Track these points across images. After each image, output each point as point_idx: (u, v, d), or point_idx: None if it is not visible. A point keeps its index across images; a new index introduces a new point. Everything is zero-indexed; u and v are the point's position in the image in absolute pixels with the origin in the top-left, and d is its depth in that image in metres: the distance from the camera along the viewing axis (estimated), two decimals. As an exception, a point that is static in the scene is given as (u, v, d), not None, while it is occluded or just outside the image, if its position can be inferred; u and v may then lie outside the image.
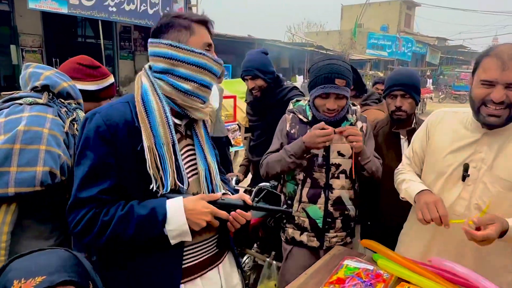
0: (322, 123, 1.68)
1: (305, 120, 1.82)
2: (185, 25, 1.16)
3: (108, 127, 1.07)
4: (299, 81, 16.55)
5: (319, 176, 1.79)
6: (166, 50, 1.14)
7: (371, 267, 1.48)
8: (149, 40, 1.18)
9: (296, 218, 1.86)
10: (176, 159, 1.14)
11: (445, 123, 1.47)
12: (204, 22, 1.21)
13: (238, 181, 2.64)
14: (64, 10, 8.90)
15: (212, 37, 1.24)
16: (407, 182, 1.54)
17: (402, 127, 2.02)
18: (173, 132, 1.14)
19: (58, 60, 12.77)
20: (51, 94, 1.37)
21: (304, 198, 1.82)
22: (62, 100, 1.40)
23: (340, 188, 1.80)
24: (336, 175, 1.78)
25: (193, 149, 1.25)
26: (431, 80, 25.66)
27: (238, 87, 9.77)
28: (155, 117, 1.11)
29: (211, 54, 1.19)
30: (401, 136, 2.01)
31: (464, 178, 1.37)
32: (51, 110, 1.31)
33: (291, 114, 1.87)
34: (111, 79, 1.67)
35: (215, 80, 1.22)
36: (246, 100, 2.72)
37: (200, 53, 1.16)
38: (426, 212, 1.31)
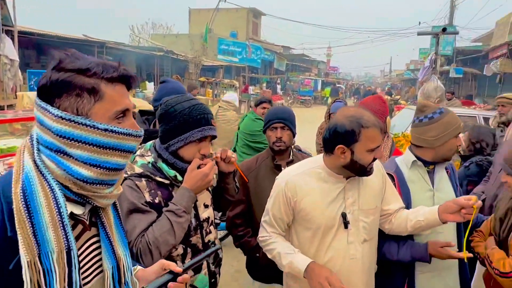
0: (197, 159, 1.55)
1: (166, 182, 1.56)
2: (88, 86, 0.89)
3: None
4: (150, 88, 16.04)
5: (196, 240, 1.66)
6: (55, 124, 0.88)
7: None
8: (35, 99, 0.90)
9: None
10: (70, 272, 0.88)
11: (304, 187, 1.66)
12: (122, 80, 0.94)
13: None
14: None
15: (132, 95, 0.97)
16: (286, 256, 1.67)
17: (282, 159, 2.23)
18: (70, 234, 0.88)
19: None
20: None
21: (190, 273, 1.59)
22: None
23: (214, 240, 1.76)
24: (208, 230, 1.72)
25: (99, 241, 1.02)
26: (279, 86, 28.82)
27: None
28: (42, 217, 0.84)
29: (126, 123, 0.95)
30: (282, 168, 2.19)
31: (346, 225, 1.64)
32: None
33: (144, 179, 1.53)
34: None
35: (129, 157, 0.98)
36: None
37: (106, 130, 0.90)
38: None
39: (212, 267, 1.71)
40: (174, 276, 1.10)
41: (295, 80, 32.76)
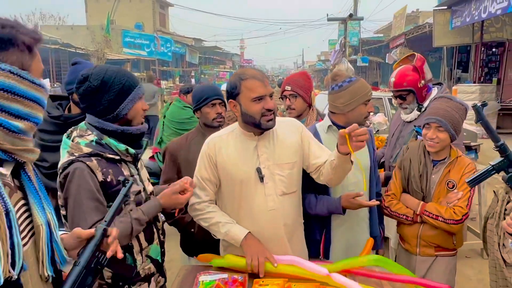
0: (182, 184, 1.67)
1: (117, 158, 1.59)
2: (28, 44, 1.00)
3: None
4: (45, 85, 14.73)
5: None
6: (1, 78, 0.94)
7: (225, 275, 1.61)
8: None
9: (141, 272, 1.65)
10: (11, 235, 0.90)
11: (223, 146, 1.86)
12: (40, 40, 1.05)
13: None
14: None
15: None
16: (224, 226, 1.83)
17: None
18: (5, 195, 0.91)
19: None
20: None
21: (144, 244, 1.67)
22: None
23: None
24: None
25: (26, 204, 1.03)
26: (194, 80, 28.63)
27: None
28: None
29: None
30: None
31: (262, 179, 1.80)
32: None
33: (94, 158, 1.52)
34: None
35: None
36: (50, 114, 2.35)
37: (39, 85, 1.02)
38: (256, 264, 1.71)
39: (161, 237, 1.78)
40: (102, 235, 1.15)
41: (209, 73, 32.83)
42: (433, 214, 2.09)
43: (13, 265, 0.89)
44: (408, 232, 2.24)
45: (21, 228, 0.99)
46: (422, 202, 2.16)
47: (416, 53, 2.78)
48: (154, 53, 24.49)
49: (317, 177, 1.95)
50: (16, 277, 0.90)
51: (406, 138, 2.68)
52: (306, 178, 1.99)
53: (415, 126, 2.62)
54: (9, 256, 0.88)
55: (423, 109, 2.67)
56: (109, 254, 1.14)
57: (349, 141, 1.63)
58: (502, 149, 1.79)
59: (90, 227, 1.38)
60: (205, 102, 2.37)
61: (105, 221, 1.18)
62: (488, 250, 2.09)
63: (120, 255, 1.17)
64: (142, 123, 1.66)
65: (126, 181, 1.32)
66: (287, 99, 2.66)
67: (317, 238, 2.11)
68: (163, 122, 4.14)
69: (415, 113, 2.70)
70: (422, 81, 2.64)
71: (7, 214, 0.89)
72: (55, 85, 14.60)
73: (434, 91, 2.74)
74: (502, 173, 1.86)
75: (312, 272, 1.65)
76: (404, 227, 2.27)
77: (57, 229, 1.10)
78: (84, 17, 32.87)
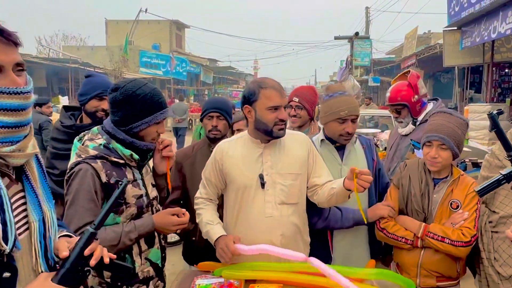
0: (178, 208, 1.73)
1: (121, 161, 1.66)
2: None
3: None
4: (64, 102, 15.22)
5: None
6: None
7: (221, 280, 1.63)
8: None
9: (140, 274, 1.69)
10: (3, 211, 0.91)
11: (230, 151, 1.92)
12: None
13: None
14: None
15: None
16: (206, 226, 1.90)
17: None
18: None
19: None
20: None
21: (144, 247, 1.71)
22: None
23: None
24: (157, 208, 1.84)
25: (25, 196, 1.04)
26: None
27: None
28: None
29: (2, 81, 0.93)
30: None
31: (263, 186, 1.84)
32: None
33: (99, 161, 1.60)
34: None
35: (16, 115, 0.95)
36: (63, 124, 2.47)
37: None
38: (223, 254, 1.76)
39: (162, 242, 1.82)
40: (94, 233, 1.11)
41: (223, 93, 33.31)
42: (439, 236, 1.90)
43: (5, 240, 0.89)
44: (407, 261, 2.02)
45: (18, 218, 1.00)
46: (424, 224, 1.98)
47: (411, 70, 2.84)
48: (170, 73, 25.03)
49: (311, 195, 1.97)
50: (8, 251, 0.90)
51: (403, 152, 2.73)
52: None
53: (411, 140, 2.65)
54: (0, 231, 0.88)
55: (418, 123, 2.72)
56: (92, 263, 1.08)
57: (356, 179, 1.68)
58: None
59: (80, 227, 1.47)
60: (204, 114, 2.45)
61: (94, 224, 1.13)
62: (478, 269, 1.99)
63: (106, 260, 1.12)
64: (153, 142, 1.72)
65: (120, 183, 1.27)
66: (293, 109, 2.74)
67: (315, 253, 2.06)
68: (200, 133, 4.31)
69: (410, 126, 2.75)
70: (416, 96, 2.69)
71: None
72: (74, 102, 15.04)
73: (429, 106, 2.78)
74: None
75: (289, 258, 1.65)
76: (402, 254, 2.04)
77: (53, 227, 1.09)
78: (104, 39, 33.92)
